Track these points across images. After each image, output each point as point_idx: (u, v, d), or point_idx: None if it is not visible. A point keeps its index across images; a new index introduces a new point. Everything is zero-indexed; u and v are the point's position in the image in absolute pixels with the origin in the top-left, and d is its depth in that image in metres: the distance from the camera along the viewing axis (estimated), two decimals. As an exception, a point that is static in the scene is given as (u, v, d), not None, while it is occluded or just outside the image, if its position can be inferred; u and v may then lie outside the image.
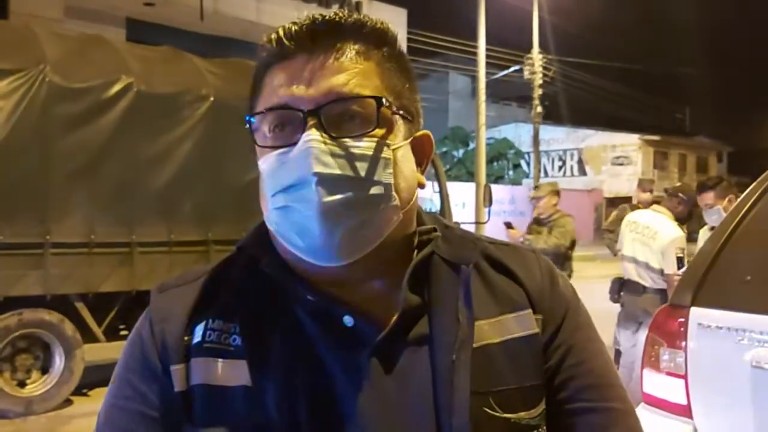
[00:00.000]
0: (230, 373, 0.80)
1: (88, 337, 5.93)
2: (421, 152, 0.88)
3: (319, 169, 0.76)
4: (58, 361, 5.78)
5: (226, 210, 6.43)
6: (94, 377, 6.18)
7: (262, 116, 0.81)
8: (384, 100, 0.80)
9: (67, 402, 5.88)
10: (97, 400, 5.89)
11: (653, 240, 4.99)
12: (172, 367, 0.81)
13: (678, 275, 4.65)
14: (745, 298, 2.65)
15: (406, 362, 0.81)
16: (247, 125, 0.83)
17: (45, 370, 5.80)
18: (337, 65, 0.79)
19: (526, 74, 25.09)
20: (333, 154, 0.77)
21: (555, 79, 27.24)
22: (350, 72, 0.79)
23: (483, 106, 20.83)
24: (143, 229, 6.01)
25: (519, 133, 36.07)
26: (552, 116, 35.40)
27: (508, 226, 6.59)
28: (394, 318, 0.81)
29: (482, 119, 20.59)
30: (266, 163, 0.81)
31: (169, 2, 13.65)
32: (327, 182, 0.76)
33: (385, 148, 0.80)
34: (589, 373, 0.87)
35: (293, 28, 0.81)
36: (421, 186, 0.87)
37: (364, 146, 0.78)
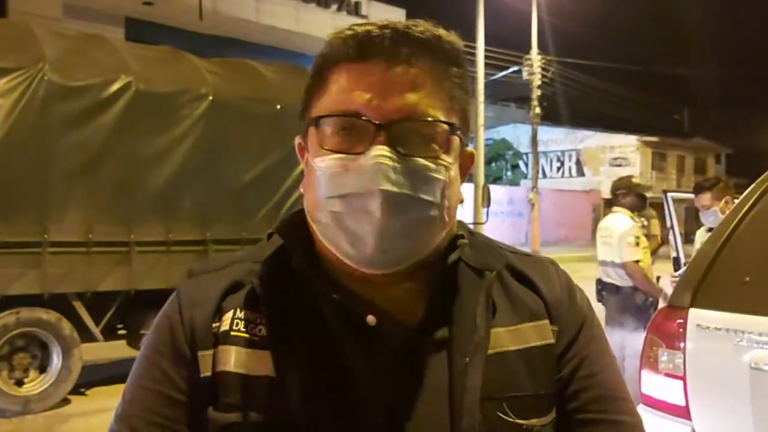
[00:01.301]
0: (255, 362, 0.82)
1: (86, 336, 5.92)
2: (464, 168, 0.89)
3: (386, 186, 0.77)
4: (56, 360, 5.77)
5: (225, 209, 6.43)
6: (92, 376, 6.18)
7: (328, 117, 0.81)
8: (456, 126, 0.82)
9: (65, 401, 5.86)
10: (95, 399, 5.91)
11: (611, 237, 5.28)
12: (199, 352, 0.84)
13: (635, 262, 5.09)
14: (744, 300, 2.65)
15: (426, 364, 0.83)
16: (313, 123, 0.83)
17: (43, 369, 5.78)
18: (412, 82, 0.80)
19: (525, 75, 25.11)
20: (399, 172, 0.78)
21: (553, 80, 27.27)
22: (424, 91, 0.80)
23: (482, 106, 20.85)
24: (142, 229, 6.01)
25: (517, 134, 36.10)
26: (550, 117, 35.42)
27: None
28: (417, 321, 0.83)
29: (481, 120, 20.61)
30: (326, 164, 0.81)
31: (168, 2, 13.66)
32: (391, 200, 0.77)
33: (445, 171, 0.81)
34: (601, 385, 0.89)
35: (374, 31, 0.80)
36: (461, 202, 0.88)
37: (431, 168, 0.80)
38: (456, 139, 0.84)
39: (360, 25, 0.82)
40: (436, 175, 0.80)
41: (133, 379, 0.88)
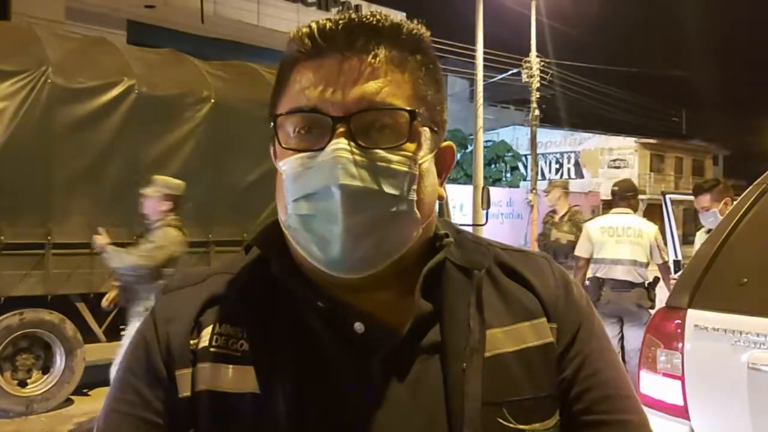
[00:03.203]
0: (237, 379, 0.78)
1: (89, 337, 5.95)
2: (443, 164, 0.85)
3: (345, 180, 0.73)
4: (59, 361, 5.81)
5: (227, 211, 6.46)
6: (95, 377, 6.19)
7: (287, 116, 0.78)
8: (417, 113, 0.77)
9: (68, 402, 5.90)
10: (98, 399, 5.92)
11: (640, 237, 5.33)
12: (177, 371, 0.79)
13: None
14: (742, 301, 2.66)
15: (418, 371, 0.78)
16: (271, 123, 0.79)
17: (46, 369, 5.82)
18: (370, 71, 0.76)
19: (524, 77, 25.11)
20: (360, 165, 0.73)
21: (552, 82, 27.27)
22: (384, 80, 0.76)
23: (481, 109, 20.86)
24: (144, 230, 6.03)
25: (516, 136, 36.11)
26: (549, 119, 35.44)
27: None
28: (407, 326, 0.78)
29: (480, 122, 20.63)
30: (288, 165, 0.77)
31: (170, 5, 13.67)
32: (352, 195, 0.73)
33: (412, 163, 0.77)
34: (605, 384, 0.85)
35: (328, 26, 0.77)
36: (440, 198, 0.84)
37: (393, 159, 0.75)
38: (425, 131, 0.79)
39: (318, 21, 0.79)
40: (400, 168, 0.75)
41: (108, 404, 0.83)
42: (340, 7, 16.51)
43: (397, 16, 0.83)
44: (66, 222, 5.69)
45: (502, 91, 33.64)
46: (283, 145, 0.78)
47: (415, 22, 0.82)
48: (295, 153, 0.77)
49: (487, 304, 0.82)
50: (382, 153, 0.75)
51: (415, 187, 0.77)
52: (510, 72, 26.00)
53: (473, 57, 21.06)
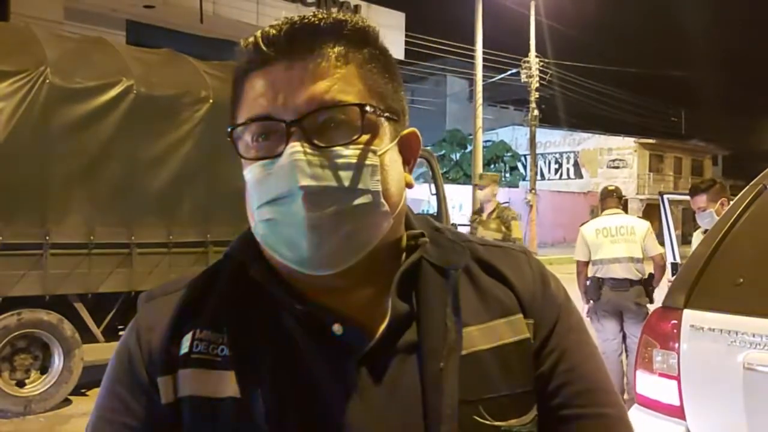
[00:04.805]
0: (218, 384, 0.79)
1: (87, 337, 5.95)
2: (408, 151, 0.85)
3: (305, 182, 0.74)
4: (57, 361, 5.81)
5: (225, 211, 6.44)
6: (93, 377, 6.20)
7: (245, 126, 0.79)
8: (368, 106, 0.78)
9: (66, 402, 5.90)
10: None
11: (633, 234, 5.54)
12: (159, 378, 0.81)
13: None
14: (738, 301, 2.67)
15: (396, 371, 0.80)
16: (228, 136, 0.81)
17: (44, 369, 5.82)
18: (317, 71, 0.77)
19: (523, 77, 25.17)
20: (318, 165, 0.75)
21: (551, 82, 27.32)
22: (331, 78, 0.77)
23: (480, 109, 20.91)
24: (142, 230, 6.04)
25: (516, 136, 36.23)
26: (549, 119, 35.54)
27: None
28: (384, 326, 0.80)
29: (479, 122, 20.68)
30: (251, 174, 0.79)
31: (169, 5, 13.66)
32: (313, 195, 0.74)
33: (371, 155, 0.77)
34: (582, 378, 0.86)
35: (271, 33, 0.78)
36: (409, 186, 0.85)
37: (349, 154, 0.76)
38: (382, 122, 0.80)
39: (262, 29, 0.80)
40: (358, 161, 0.76)
41: (95, 411, 0.85)
42: (339, 8, 16.52)
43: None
44: (64, 222, 5.68)
45: (502, 91, 33.74)
46: (244, 155, 0.80)
47: (358, 15, 0.83)
48: (255, 161, 0.78)
49: (463, 302, 0.83)
50: (337, 150, 0.76)
51: (377, 178, 0.77)
52: (509, 72, 26.08)
53: (472, 57, 21.11)
